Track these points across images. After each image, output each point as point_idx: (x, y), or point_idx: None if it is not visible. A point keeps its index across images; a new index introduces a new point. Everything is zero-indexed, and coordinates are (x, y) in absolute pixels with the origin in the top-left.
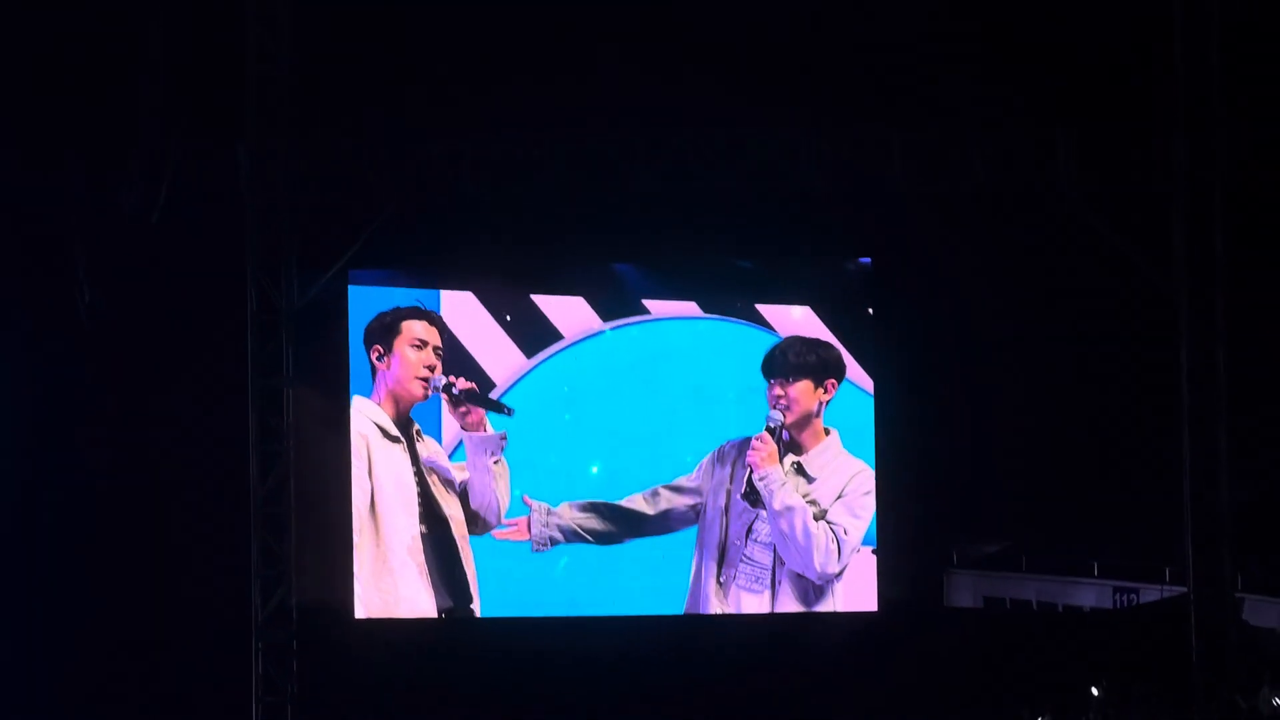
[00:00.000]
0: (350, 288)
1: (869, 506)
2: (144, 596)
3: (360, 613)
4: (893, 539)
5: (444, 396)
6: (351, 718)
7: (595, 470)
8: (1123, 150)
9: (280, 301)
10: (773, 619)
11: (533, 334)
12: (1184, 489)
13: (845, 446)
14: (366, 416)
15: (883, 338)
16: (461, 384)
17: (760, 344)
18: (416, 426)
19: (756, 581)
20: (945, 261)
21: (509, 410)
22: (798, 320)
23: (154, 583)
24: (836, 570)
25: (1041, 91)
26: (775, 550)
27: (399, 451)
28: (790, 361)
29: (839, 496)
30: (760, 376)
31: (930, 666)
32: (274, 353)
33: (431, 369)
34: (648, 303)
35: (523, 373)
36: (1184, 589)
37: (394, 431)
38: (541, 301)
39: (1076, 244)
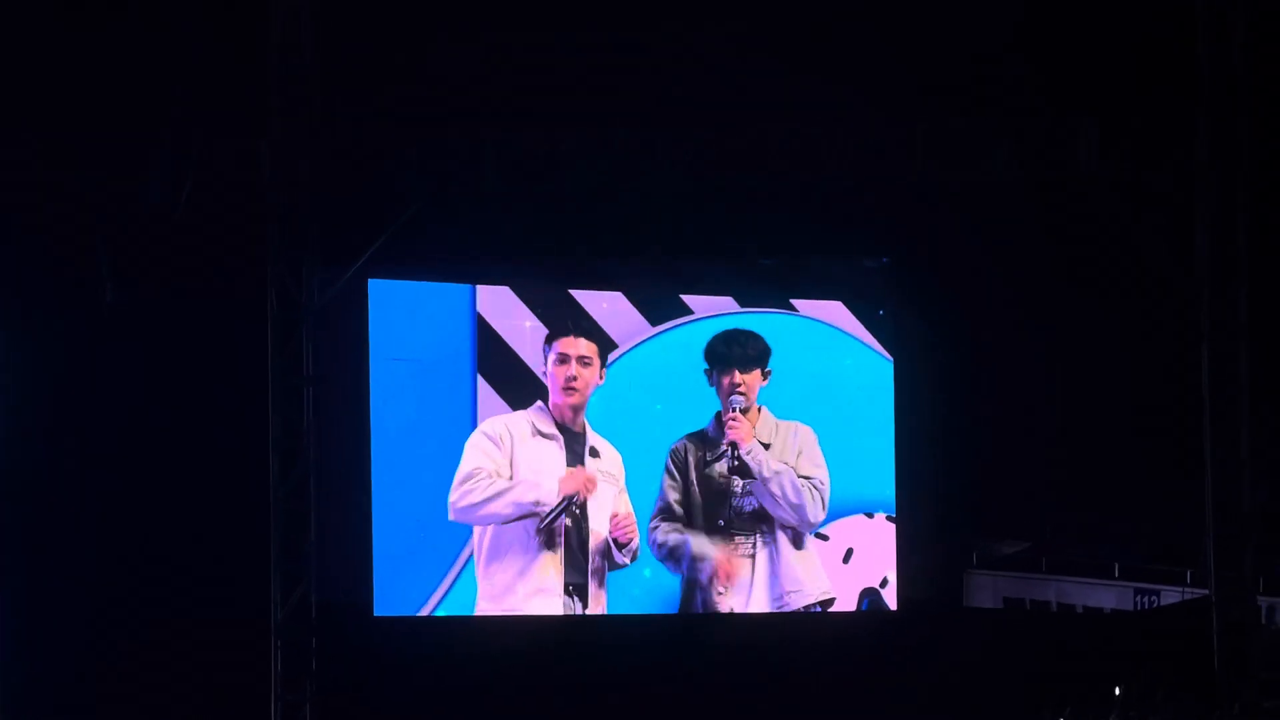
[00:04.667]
0: (371, 281)
1: (821, 453)
2: (163, 594)
3: (381, 610)
4: (912, 539)
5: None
6: (371, 717)
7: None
8: (1145, 143)
9: (301, 298)
10: (790, 617)
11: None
12: (1206, 489)
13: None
14: (527, 418)
15: (903, 336)
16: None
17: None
18: (591, 444)
19: (750, 545)
20: (966, 256)
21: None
22: (830, 314)
23: (173, 580)
24: (822, 519)
25: (1064, 84)
26: (756, 514)
27: (554, 448)
28: (748, 353)
29: (799, 454)
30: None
31: (950, 667)
32: (294, 350)
33: (572, 379)
34: (688, 299)
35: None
36: (1205, 591)
37: (549, 430)
38: (583, 298)
39: (1098, 239)
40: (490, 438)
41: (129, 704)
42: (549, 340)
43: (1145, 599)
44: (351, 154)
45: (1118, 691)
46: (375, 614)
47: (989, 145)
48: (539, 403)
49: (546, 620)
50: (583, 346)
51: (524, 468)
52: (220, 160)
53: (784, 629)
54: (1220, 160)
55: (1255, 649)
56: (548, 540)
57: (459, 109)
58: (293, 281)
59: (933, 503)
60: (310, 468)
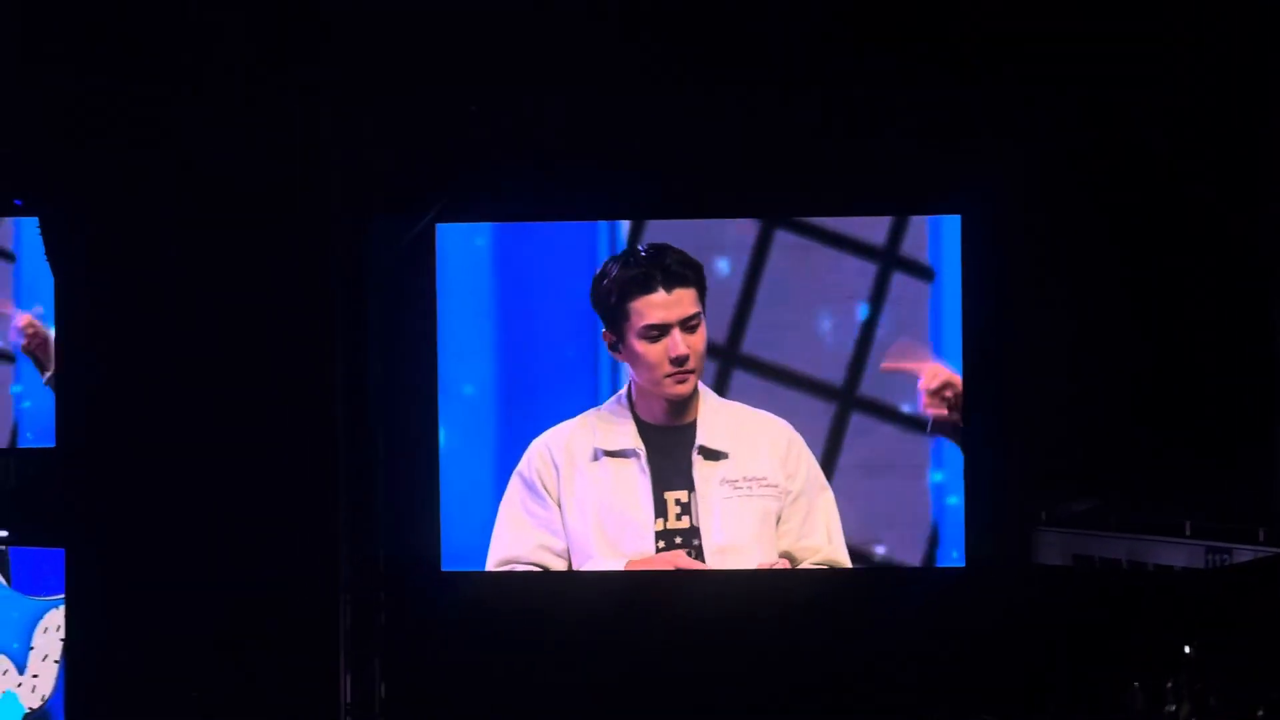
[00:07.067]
0: (440, 227)
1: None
2: (230, 551)
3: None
4: (981, 497)
5: None
6: (440, 672)
7: None
8: (1215, 113)
9: (365, 257)
10: (858, 574)
11: None
12: (1277, 448)
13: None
14: (589, 428)
15: (970, 297)
16: None
17: None
18: (704, 442)
19: None
20: (1035, 222)
21: None
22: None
23: (241, 537)
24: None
25: (1134, 54)
26: None
27: (630, 474)
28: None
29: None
30: None
31: (1018, 625)
32: (358, 309)
33: (681, 362)
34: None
35: None
36: (1278, 550)
37: (624, 444)
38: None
39: (1171, 205)
40: (529, 486)
41: (195, 659)
42: (618, 301)
43: (1217, 557)
44: (415, 112)
45: (1187, 650)
46: (443, 569)
47: (1060, 114)
48: (614, 400)
49: (620, 575)
50: (685, 302)
51: (573, 513)
52: (279, 117)
53: (844, 583)
54: None
55: None
56: None
57: (522, 62)
58: (355, 240)
59: (1002, 461)
60: (378, 424)
